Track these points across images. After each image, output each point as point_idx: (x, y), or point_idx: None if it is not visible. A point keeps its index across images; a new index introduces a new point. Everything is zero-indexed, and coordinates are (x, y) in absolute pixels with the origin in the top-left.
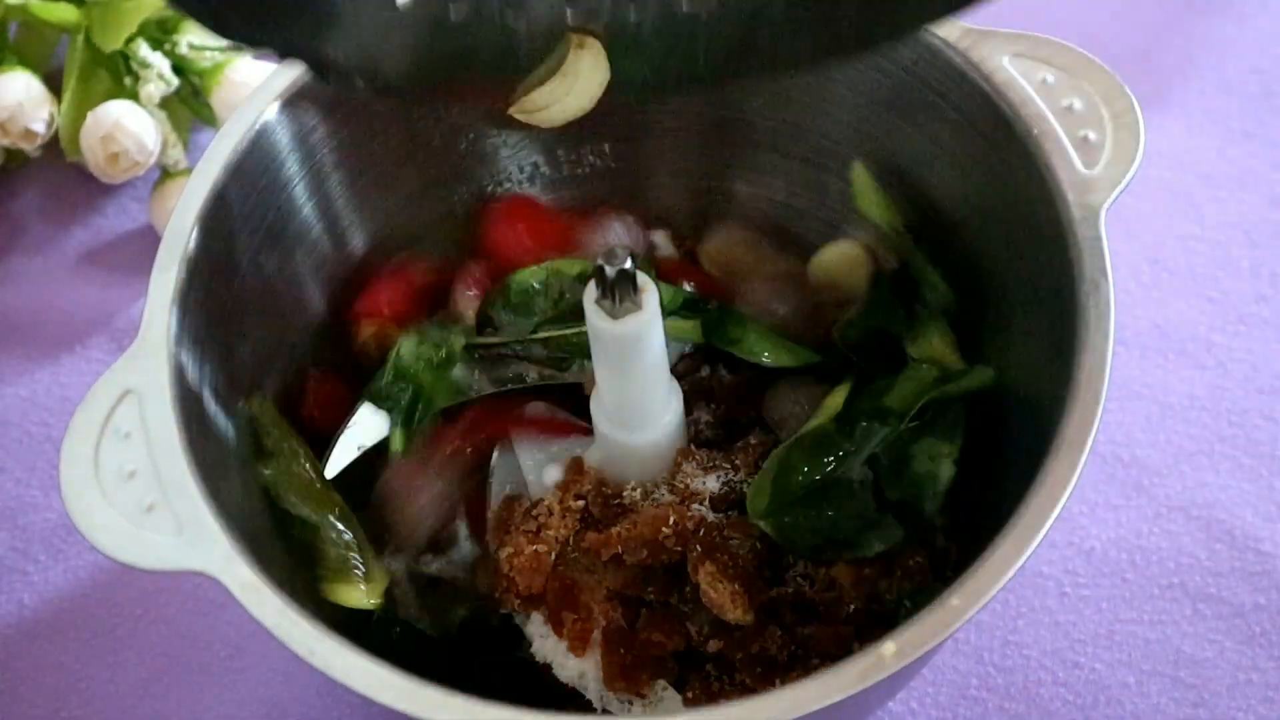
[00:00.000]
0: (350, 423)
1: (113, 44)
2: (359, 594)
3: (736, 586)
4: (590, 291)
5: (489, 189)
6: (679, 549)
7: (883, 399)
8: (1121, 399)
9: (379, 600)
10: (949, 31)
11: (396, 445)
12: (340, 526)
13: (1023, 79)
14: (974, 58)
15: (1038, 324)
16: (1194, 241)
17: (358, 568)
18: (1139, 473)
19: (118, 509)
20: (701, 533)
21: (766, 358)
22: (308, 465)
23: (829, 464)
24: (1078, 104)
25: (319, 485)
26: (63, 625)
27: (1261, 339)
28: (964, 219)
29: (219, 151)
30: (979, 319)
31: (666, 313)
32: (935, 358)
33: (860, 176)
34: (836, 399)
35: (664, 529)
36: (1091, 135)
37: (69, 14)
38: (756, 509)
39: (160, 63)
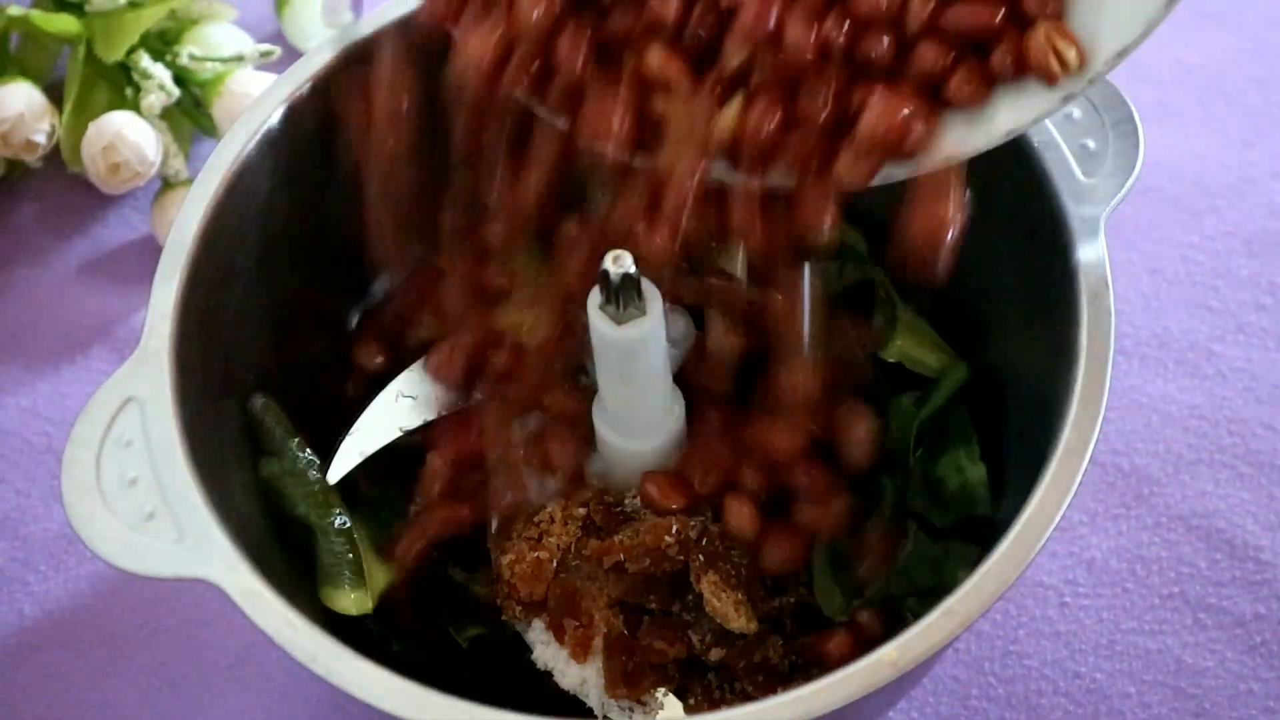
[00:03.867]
0: (354, 429)
1: (114, 55)
2: (348, 601)
3: (740, 595)
4: (594, 297)
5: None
6: (681, 558)
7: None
8: (1121, 408)
9: (369, 609)
10: None
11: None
12: (338, 532)
13: None
14: None
15: (1038, 333)
16: (1193, 250)
17: (349, 575)
18: (1139, 482)
19: (119, 516)
20: (704, 542)
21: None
22: (310, 469)
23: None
24: (1077, 112)
25: (320, 489)
26: (64, 635)
27: (1261, 348)
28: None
29: (220, 162)
30: (978, 327)
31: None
32: (911, 358)
33: None
34: None
35: (666, 538)
36: (1091, 144)
37: (70, 25)
38: (834, 610)
39: (161, 74)
